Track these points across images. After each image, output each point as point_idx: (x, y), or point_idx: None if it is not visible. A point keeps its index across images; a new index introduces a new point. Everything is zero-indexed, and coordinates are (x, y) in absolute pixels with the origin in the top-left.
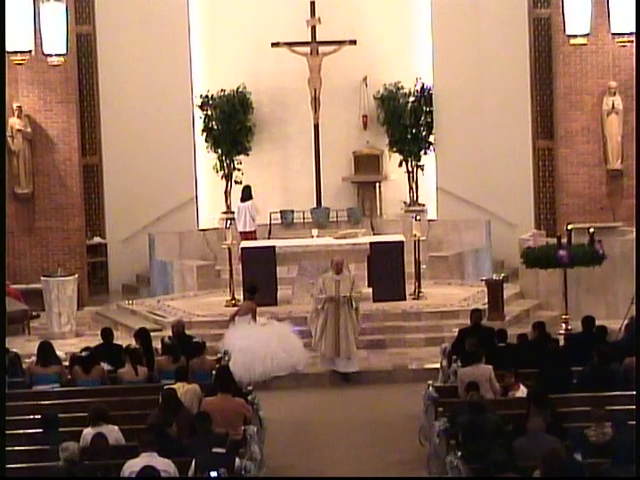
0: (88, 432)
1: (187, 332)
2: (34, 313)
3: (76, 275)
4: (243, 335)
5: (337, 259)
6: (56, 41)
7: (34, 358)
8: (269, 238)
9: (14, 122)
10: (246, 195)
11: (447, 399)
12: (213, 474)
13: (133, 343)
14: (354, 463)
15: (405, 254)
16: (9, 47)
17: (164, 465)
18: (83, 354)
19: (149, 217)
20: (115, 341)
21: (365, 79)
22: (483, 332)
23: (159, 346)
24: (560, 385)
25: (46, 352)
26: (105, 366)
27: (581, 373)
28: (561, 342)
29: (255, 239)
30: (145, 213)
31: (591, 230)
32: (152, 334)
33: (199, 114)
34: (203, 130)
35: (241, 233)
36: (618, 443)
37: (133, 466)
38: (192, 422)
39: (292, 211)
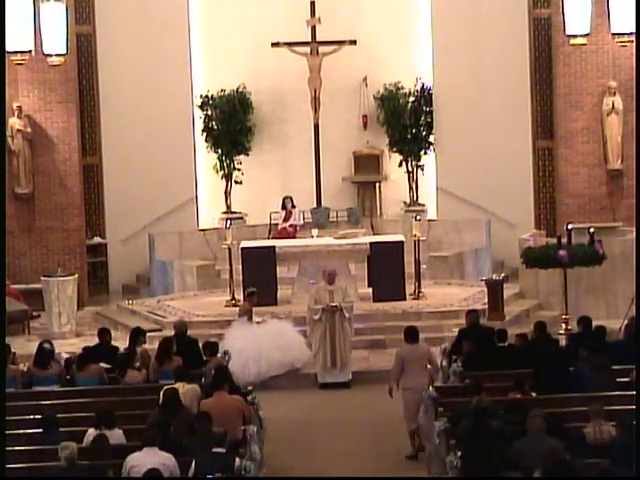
0: (91, 432)
1: (187, 332)
2: (34, 313)
3: (76, 275)
4: (240, 336)
5: (330, 269)
6: (56, 41)
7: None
8: (269, 238)
9: (14, 122)
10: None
11: (447, 399)
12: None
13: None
14: (354, 463)
15: (405, 254)
16: (9, 47)
17: (164, 459)
18: (78, 353)
19: (149, 217)
20: (115, 341)
21: (365, 79)
22: (482, 332)
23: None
24: (557, 386)
25: (45, 355)
26: (103, 365)
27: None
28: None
29: (296, 233)
30: (145, 213)
31: (591, 230)
32: (152, 334)
33: (199, 114)
34: (203, 130)
35: (287, 227)
36: (618, 444)
37: (135, 459)
38: (192, 422)
39: None
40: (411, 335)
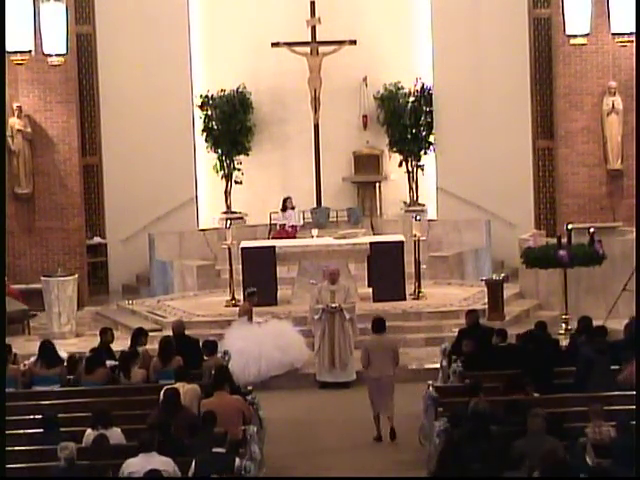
0: (90, 433)
1: (187, 332)
2: (31, 312)
3: (76, 275)
4: (240, 336)
5: (332, 269)
6: (56, 41)
7: (33, 358)
8: (269, 238)
9: (14, 122)
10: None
11: (447, 399)
12: None
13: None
14: (354, 463)
15: (405, 254)
16: (9, 47)
17: (164, 464)
18: (86, 354)
19: (149, 217)
20: (115, 341)
21: (365, 79)
22: (482, 332)
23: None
24: (542, 385)
25: (48, 353)
26: (109, 363)
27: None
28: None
29: (296, 233)
30: (145, 213)
31: (591, 230)
32: (152, 334)
33: (199, 114)
34: (203, 130)
35: (287, 227)
36: (618, 445)
37: (132, 466)
38: (193, 422)
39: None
40: (377, 325)
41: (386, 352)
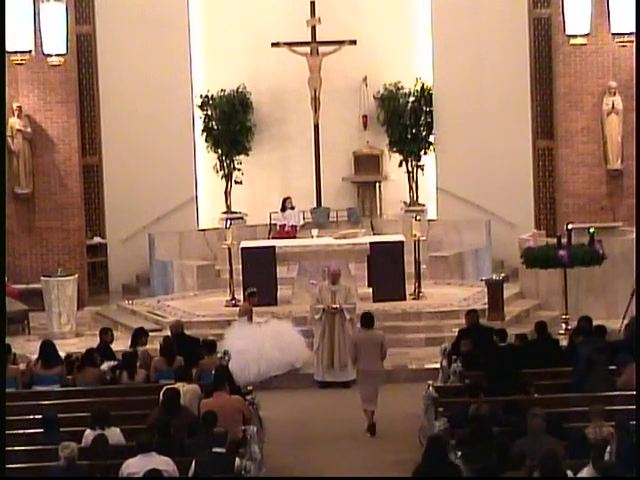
0: (89, 433)
1: (187, 332)
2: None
3: (76, 275)
4: (241, 336)
5: (333, 269)
6: (56, 41)
7: (34, 357)
8: (269, 238)
9: (14, 122)
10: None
11: (447, 399)
12: None
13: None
14: (354, 463)
15: (405, 254)
16: (9, 47)
17: (163, 464)
18: (74, 355)
19: (149, 217)
20: (115, 341)
21: (365, 79)
22: (482, 332)
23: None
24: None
25: (48, 353)
26: (106, 365)
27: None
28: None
29: (296, 233)
30: (145, 213)
31: (591, 230)
32: (152, 334)
33: (199, 114)
34: (203, 130)
35: (287, 227)
36: (619, 445)
37: (132, 466)
38: (192, 422)
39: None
40: (365, 321)
41: (374, 346)
